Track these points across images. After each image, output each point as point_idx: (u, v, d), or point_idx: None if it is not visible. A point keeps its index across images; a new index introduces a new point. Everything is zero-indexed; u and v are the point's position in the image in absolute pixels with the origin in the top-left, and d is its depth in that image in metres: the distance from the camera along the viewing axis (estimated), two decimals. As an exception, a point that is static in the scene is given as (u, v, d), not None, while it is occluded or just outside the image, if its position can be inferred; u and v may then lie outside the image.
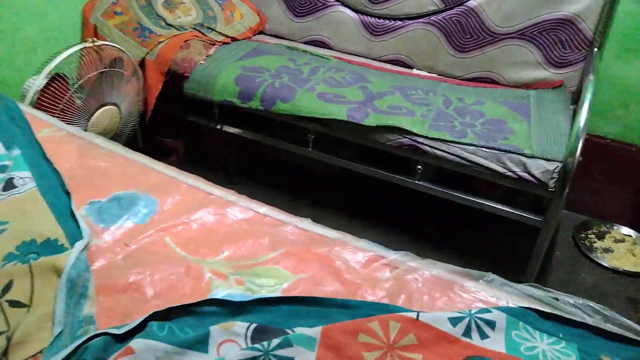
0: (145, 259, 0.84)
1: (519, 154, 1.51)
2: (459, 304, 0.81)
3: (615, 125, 1.96)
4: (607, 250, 1.91)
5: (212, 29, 2.04)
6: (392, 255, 0.90)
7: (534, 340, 0.76)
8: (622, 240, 1.95)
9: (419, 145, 1.60)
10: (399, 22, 2.05)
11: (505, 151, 1.53)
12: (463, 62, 2.00)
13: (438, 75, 2.05)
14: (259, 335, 0.73)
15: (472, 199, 1.65)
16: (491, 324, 0.76)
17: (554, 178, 1.48)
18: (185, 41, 1.90)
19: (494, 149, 1.54)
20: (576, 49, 1.86)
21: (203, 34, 2.01)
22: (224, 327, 0.73)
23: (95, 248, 0.88)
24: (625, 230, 1.99)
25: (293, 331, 0.73)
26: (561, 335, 0.77)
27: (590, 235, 1.97)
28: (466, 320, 0.76)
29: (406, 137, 1.61)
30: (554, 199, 1.51)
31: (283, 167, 2.22)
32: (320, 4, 2.14)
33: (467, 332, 0.75)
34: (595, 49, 1.82)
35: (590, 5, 1.78)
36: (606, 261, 1.85)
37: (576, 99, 1.76)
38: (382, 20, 2.08)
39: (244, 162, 2.28)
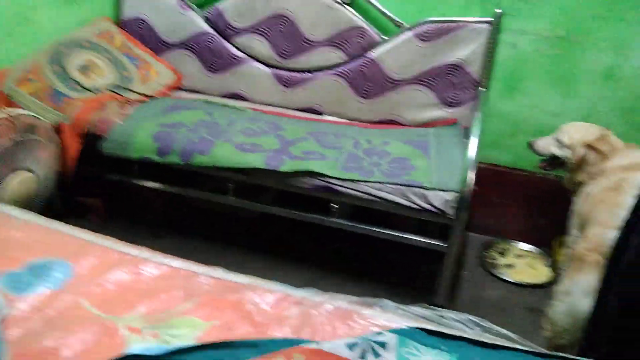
0: (61, 323, 0.88)
1: (420, 187, 1.68)
2: (357, 330, 0.91)
3: (507, 154, 2.20)
4: (509, 266, 2.10)
5: (128, 89, 2.10)
6: (299, 293, 1.00)
7: (420, 355, 0.87)
8: (522, 256, 2.17)
9: (331, 186, 1.73)
10: (309, 74, 2.22)
11: (408, 186, 1.69)
12: (369, 107, 2.19)
13: (348, 120, 2.22)
14: (174, 382, 0.79)
15: (383, 231, 1.80)
16: (383, 345, 0.87)
17: (452, 207, 1.65)
18: (101, 102, 1.95)
19: (398, 184, 1.70)
20: (466, 90, 2.10)
21: (119, 94, 2.06)
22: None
23: (11, 318, 0.90)
24: (524, 246, 2.21)
25: (207, 375, 0.80)
26: (443, 348, 0.89)
27: (493, 254, 2.17)
28: (361, 345, 0.86)
29: (320, 180, 1.74)
30: (454, 226, 1.69)
31: (207, 215, 2.27)
32: (234, 61, 2.27)
33: (363, 355, 0.85)
34: (483, 89, 2.07)
35: (475, 51, 2.04)
36: (509, 276, 2.04)
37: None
38: (293, 73, 2.24)
39: (168, 214, 2.30)
